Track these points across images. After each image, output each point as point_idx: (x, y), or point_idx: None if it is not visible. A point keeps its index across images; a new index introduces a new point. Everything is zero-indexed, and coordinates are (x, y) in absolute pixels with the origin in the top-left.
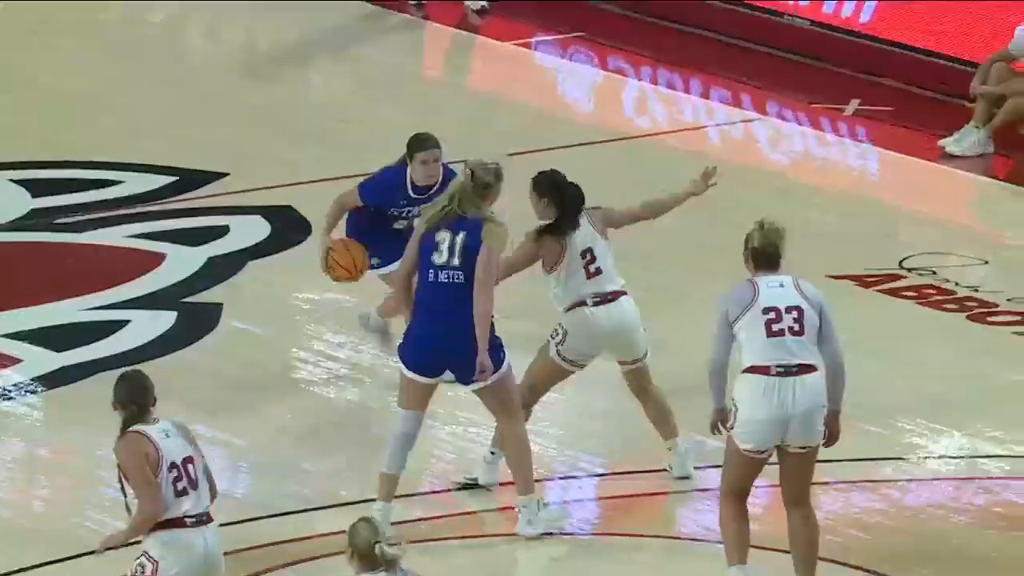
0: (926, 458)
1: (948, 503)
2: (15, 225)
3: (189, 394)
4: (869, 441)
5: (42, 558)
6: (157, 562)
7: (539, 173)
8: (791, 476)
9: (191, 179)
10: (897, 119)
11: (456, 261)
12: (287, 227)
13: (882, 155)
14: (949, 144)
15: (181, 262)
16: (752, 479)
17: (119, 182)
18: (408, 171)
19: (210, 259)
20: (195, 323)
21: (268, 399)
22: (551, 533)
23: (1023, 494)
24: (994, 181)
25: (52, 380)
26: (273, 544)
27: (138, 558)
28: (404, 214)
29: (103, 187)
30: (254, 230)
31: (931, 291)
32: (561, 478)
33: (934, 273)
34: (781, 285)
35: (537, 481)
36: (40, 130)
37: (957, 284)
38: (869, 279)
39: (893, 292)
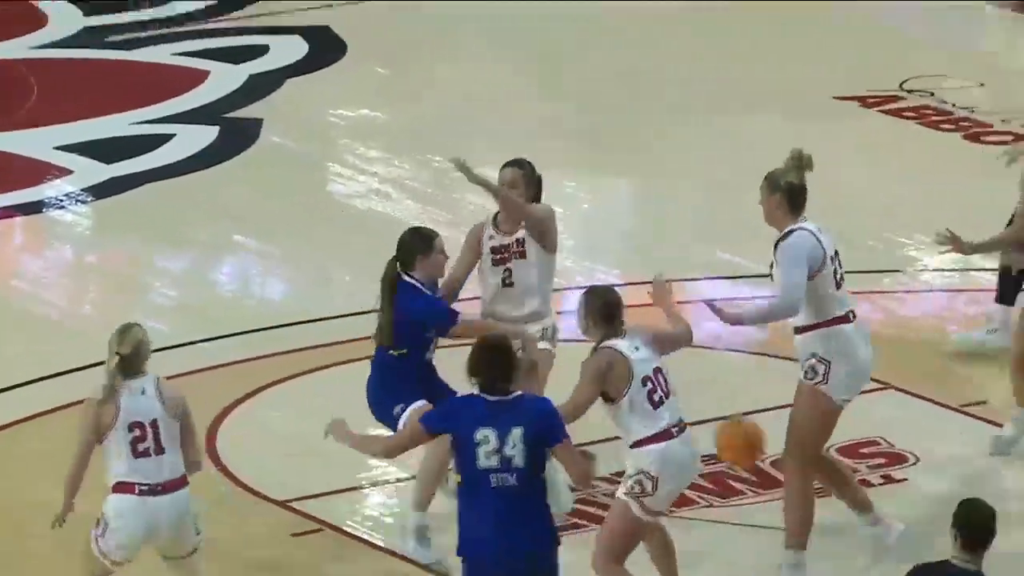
0: (921, 271)
1: (942, 313)
2: (68, 42)
3: (231, 205)
4: (869, 255)
5: (88, 359)
6: (656, 477)
7: None
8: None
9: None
10: None
11: None
12: (324, 46)
13: None
14: None
15: (223, 79)
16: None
17: (166, 1)
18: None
19: (251, 76)
20: (236, 137)
21: (304, 210)
22: None
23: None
24: (995, 5)
25: (101, 190)
26: (301, 350)
27: (633, 476)
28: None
29: (152, 6)
30: (292, 49)
31: (929, 112)
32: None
33: (932, 95)
34: (822, 230)
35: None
36: None
37: (954, 105)
38: (871, 99)
39: (894, 112)
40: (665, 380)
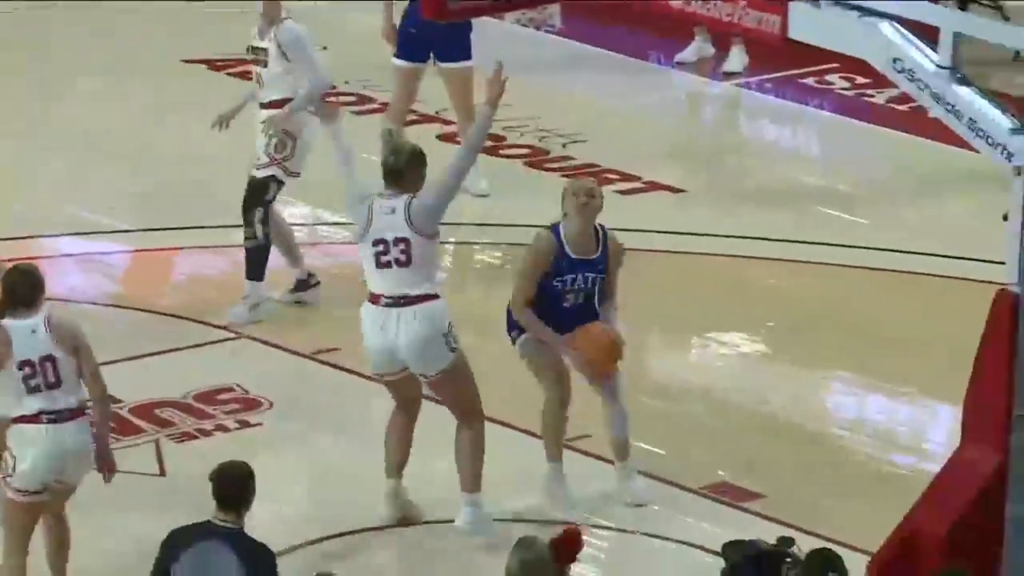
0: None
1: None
2: None
3: None
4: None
5: None
6: (15, 457)
7: None
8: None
9: None
10: None
11: None
12: None
13: None
14: None
15: None
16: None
17: None
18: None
19: None
20: None
21: None
22: None
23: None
24: None
25: None
26: None
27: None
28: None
29: None
30: None
31: None
32: None
33: None
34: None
35: None
36: None
37: None
38: (220, 63)
39: (243, 75)
40: (55, 370)
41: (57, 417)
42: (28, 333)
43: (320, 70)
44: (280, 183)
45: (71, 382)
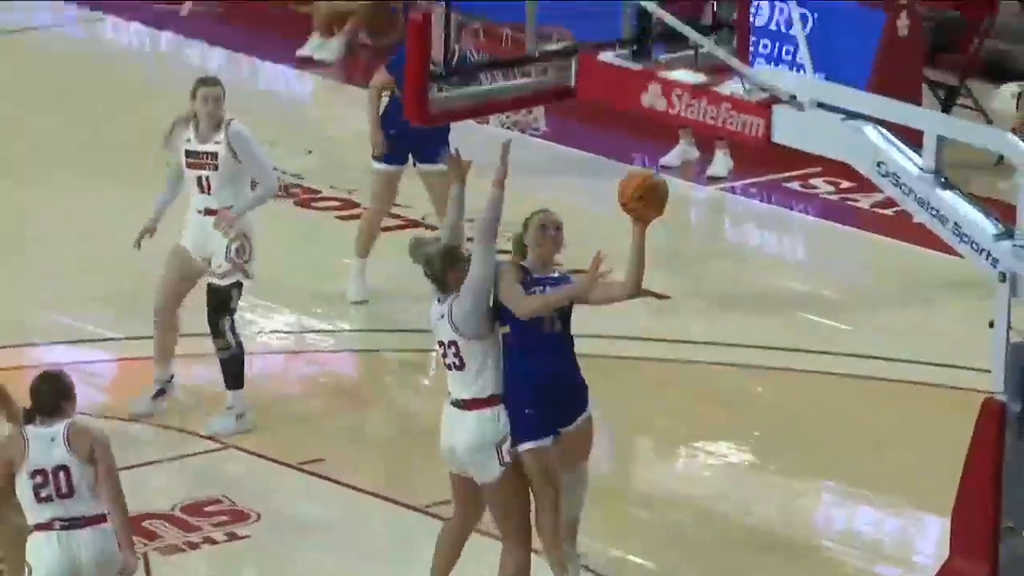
0: (259, 333)
1: (280, 374)
2: None
3: None
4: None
5: None
6: (30, 566)
7: None
8: None
9: None
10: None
11: None
12: None
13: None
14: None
15: None
16: None
17: None
18: None
19: None
20: None
21: None
22: None
23: (345, 365)
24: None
25: None
26: None
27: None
28: None
29: None
30: None
31: None
32: None
33: None
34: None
35: None
36: None
37: (284, 172)
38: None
39: None
40: (68, 480)
41: (71, 524)
42: (47, 441)
43: (270, 172)
44: (241, 287)
45: (86, 491)
